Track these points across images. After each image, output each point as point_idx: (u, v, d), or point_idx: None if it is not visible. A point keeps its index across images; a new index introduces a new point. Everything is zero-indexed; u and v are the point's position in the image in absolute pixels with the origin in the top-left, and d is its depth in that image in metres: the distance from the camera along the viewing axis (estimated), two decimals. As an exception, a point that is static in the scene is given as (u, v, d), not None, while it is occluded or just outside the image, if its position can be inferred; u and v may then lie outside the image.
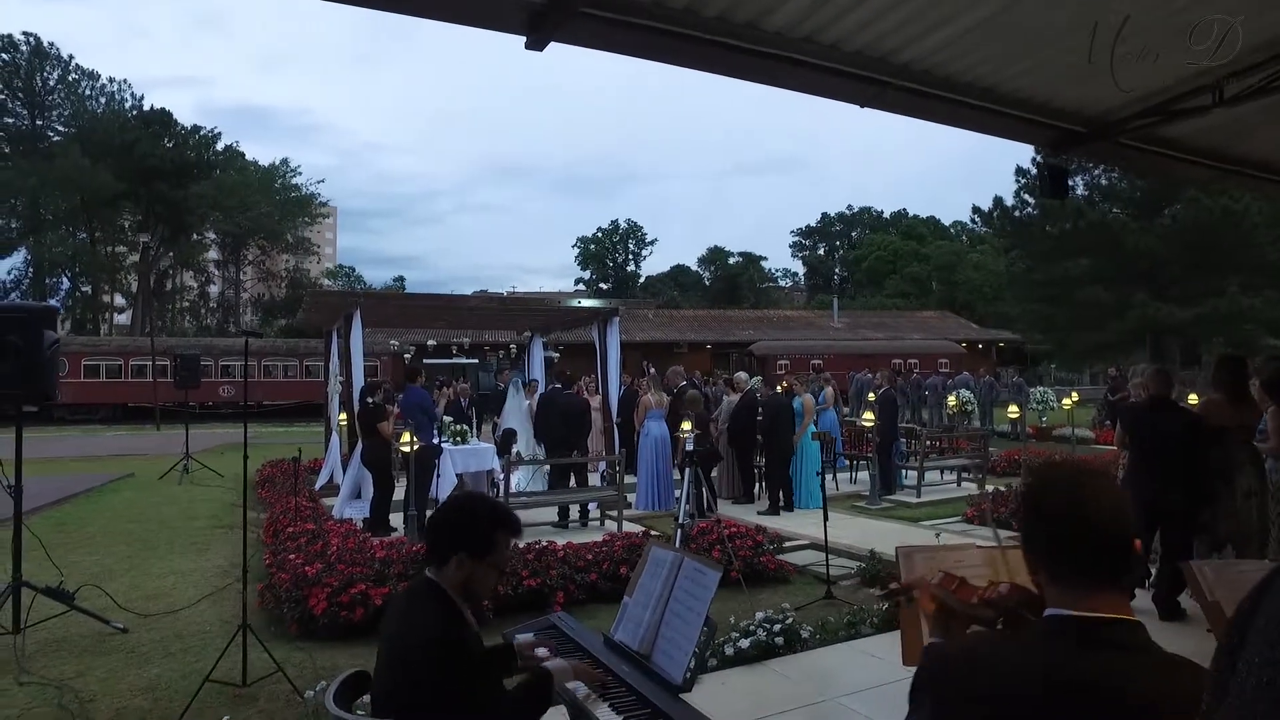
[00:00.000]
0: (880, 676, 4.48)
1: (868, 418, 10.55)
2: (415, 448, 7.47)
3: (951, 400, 17.78)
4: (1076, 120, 6.07)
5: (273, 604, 5.64)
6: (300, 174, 51.70)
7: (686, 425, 9.15)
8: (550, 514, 8.93)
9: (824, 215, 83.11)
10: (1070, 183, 22.79)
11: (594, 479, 10.06)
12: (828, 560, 6.67)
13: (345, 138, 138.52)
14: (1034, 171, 26.27)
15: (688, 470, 5.84)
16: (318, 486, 11.00)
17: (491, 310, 9.79)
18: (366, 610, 5.32)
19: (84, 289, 48.35)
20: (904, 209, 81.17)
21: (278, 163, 50.81)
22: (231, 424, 25.76)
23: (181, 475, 12.85)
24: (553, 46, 4.12)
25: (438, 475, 8.96)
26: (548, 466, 9.60)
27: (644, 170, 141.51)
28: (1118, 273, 22.50)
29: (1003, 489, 9.89)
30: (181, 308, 55.89)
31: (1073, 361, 25.96)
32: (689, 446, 5.90)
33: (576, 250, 76.42)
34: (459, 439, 10.12)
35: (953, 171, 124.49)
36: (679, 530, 5.85)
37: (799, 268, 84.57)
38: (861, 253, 74.96)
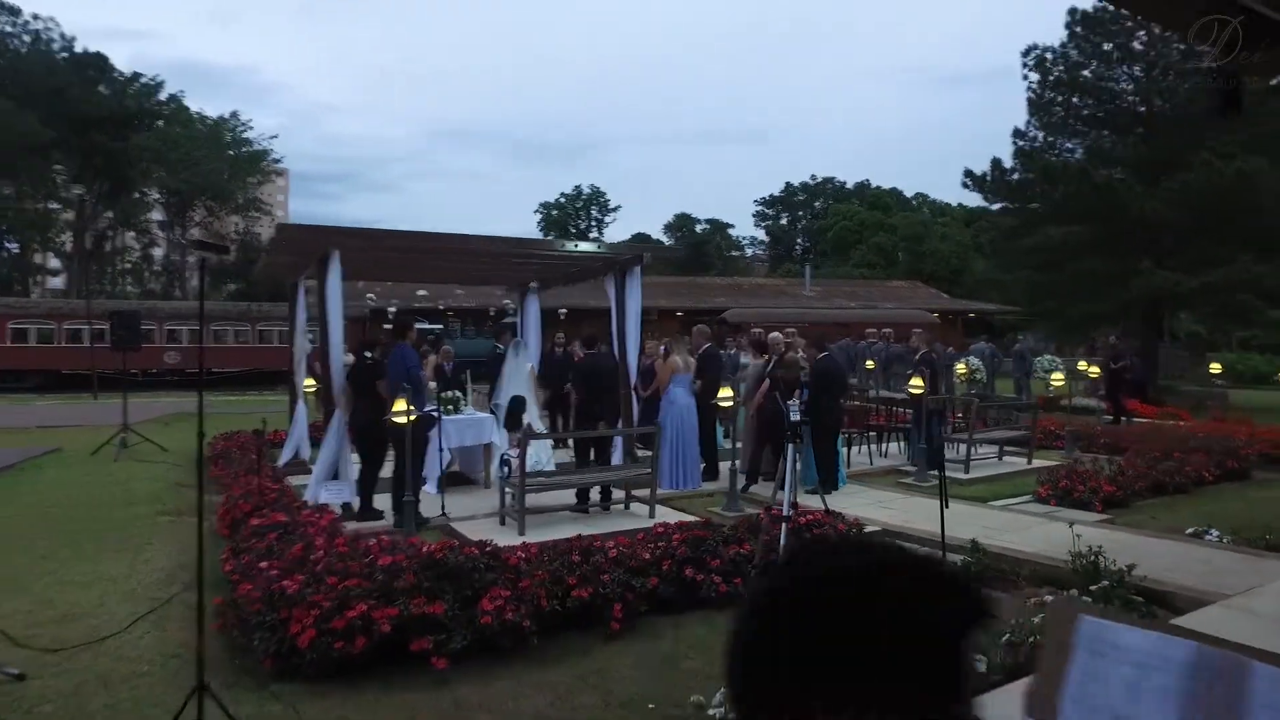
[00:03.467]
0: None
1: (916, 384, 9.31)
2: (412, 418, 5.99)
3: (960, 368, 16.70)
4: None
5: (236, 628, 4.18)
6: (251, 128, 48.42)
7: (726, 391, 7.83)
8: (564, 497, 7.55)
9: (788, 184, 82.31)
10: (1069, 145, 21.44)
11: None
12: (944, 554, 5.38)
13: (292, 97, 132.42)
14: (1030, 133, 25.29)
15: (789, 447, 4.51)
16: (281, 463, 9.43)
17: (496, 254, 8.17)
18: (370, 639, 3.90)
19: (10, 247, 44.93)
20: (867, 180, 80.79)
21: (226, 115, 47.46)
22: (178, 393, 23.72)
23: (118, 450, 11.10)
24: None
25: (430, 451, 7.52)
26: (560, 442, 8.17)
27: (607, 137, 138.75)
28: (1121, 239, 21.61)
29: (1080, 466, 8.75)
30: (122, 270, 52.57)
31: (1065, 331, 25.17)
32: (794, 415, 4.54)
33: (539, 216, 74.32)
34: (451, 408, 8.66)
35: (914, 145, 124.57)
36: (783, 525, 4.50)
37: (762, 236, 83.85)
38: (827, 222, 74.23)
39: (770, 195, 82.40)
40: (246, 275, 38.21)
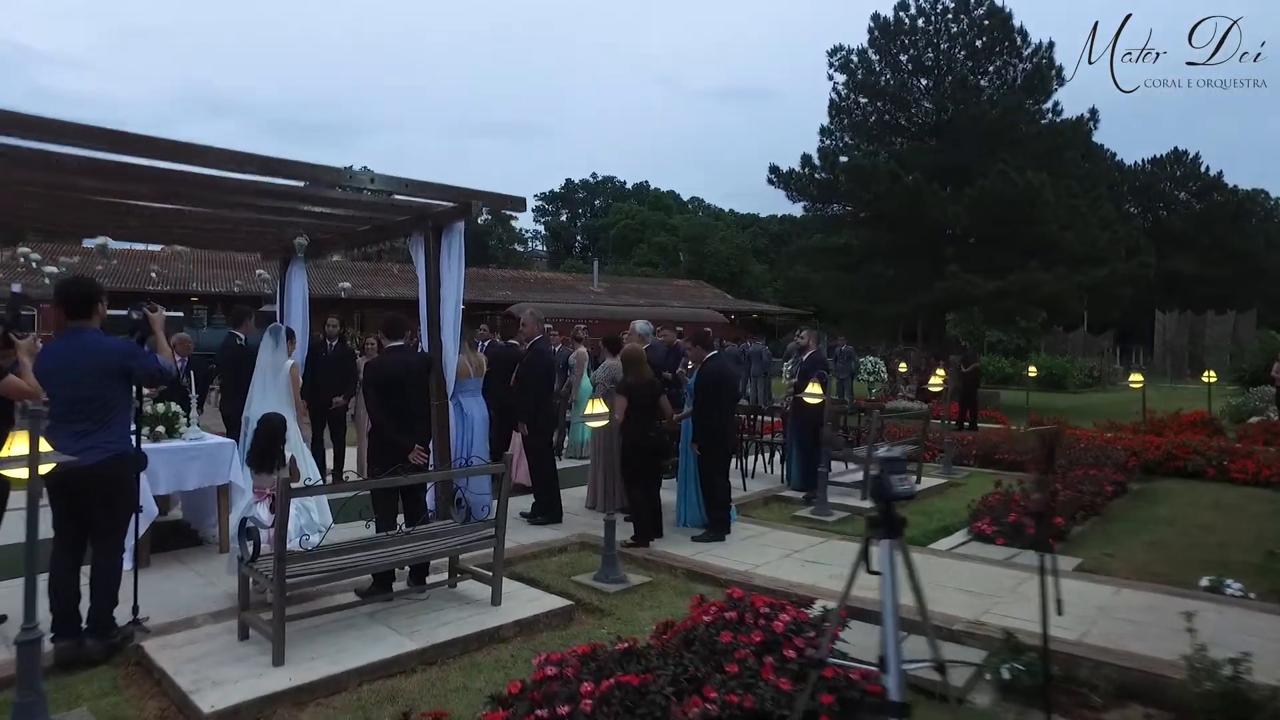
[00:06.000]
0: None
1: (815, 392, 7.39)
2: (56, 467, 2.96)
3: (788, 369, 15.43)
4: None
5: None
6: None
7: (597, 406, 5.43)
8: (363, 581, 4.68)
9: (568, 181, 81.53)
10: (871, 149, 21.32)
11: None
12: (1048, 672, 3.32)
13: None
14: (835, 133, 25.14)
15: (889, 550, 2.17)
16: None
17: (240, 189, 4.90)
18: None
19: None
20: (646, 181, 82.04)
21: None
22: None
23: None
24: None
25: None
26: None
27: (378, 121, 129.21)
28: (923, 243, 21.75)
29: (1012, 491, 7.22)
30: None
31: (866, 332, 25.28)
32: (902, 486, 2.21)
33: (302, 196, 66.84)
34: (168, 429, 5.51)
35: (685, 151, 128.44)
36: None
37: (542, 231, 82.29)
38: (609, 220, 73.92)
39: (551, 191, 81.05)
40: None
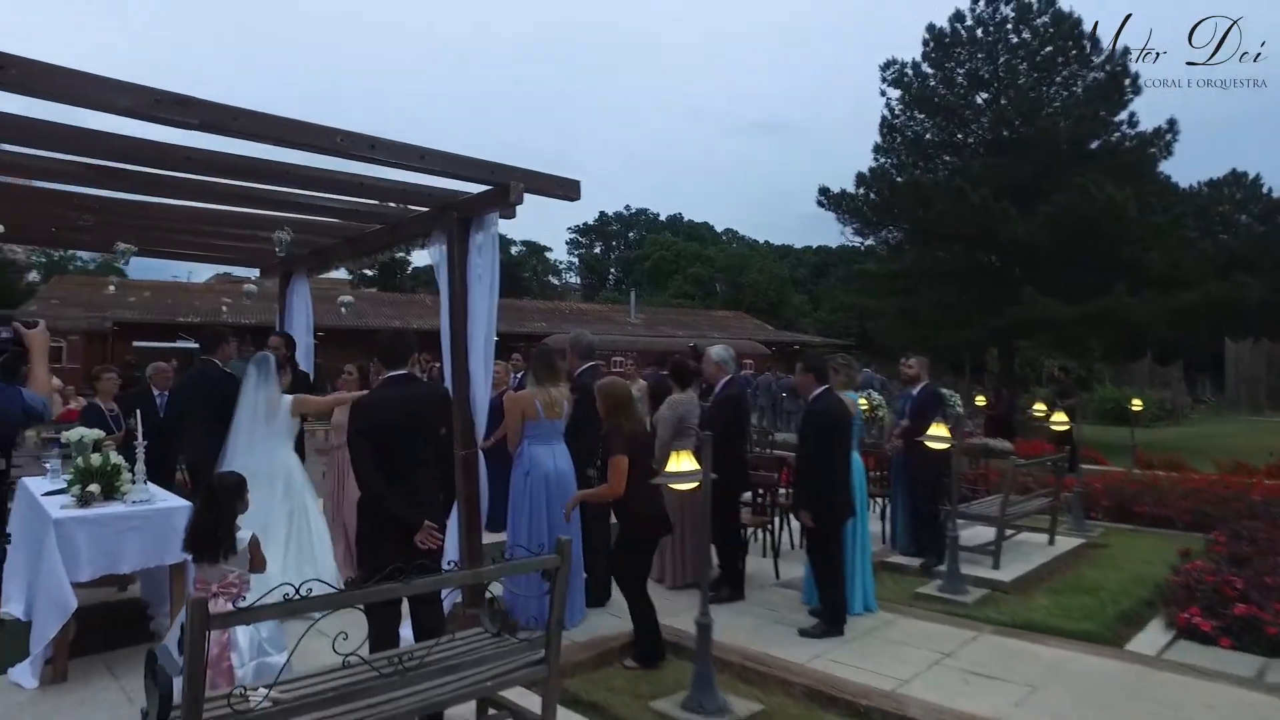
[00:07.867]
0: None
1: (940, 433, 5.77)
2: None
3: (862, 403, 13.72)
4: None
5: None
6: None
7: (685, 459, 3.92)
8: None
9: (602, 214, 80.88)
10: (926, 167, 19.81)
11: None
12: None
13: None
14: (892, 152, 23.63)
15: None
16: None
17: (196, 165, 3.55)
18: None
19: None
20: (679, 213, 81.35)
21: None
22: None
23: None
24: None
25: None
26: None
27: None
28: (993, 264, 20.05)
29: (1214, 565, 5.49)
30: None
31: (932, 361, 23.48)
32: None
33: (335, 231, 66.62)
34: (105, 488, 4.10)
35: (715, 185, 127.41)
36: None
37: (575, 262, 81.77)
38: (644, 252, 73.05)
39: (584, 223, 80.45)
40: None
